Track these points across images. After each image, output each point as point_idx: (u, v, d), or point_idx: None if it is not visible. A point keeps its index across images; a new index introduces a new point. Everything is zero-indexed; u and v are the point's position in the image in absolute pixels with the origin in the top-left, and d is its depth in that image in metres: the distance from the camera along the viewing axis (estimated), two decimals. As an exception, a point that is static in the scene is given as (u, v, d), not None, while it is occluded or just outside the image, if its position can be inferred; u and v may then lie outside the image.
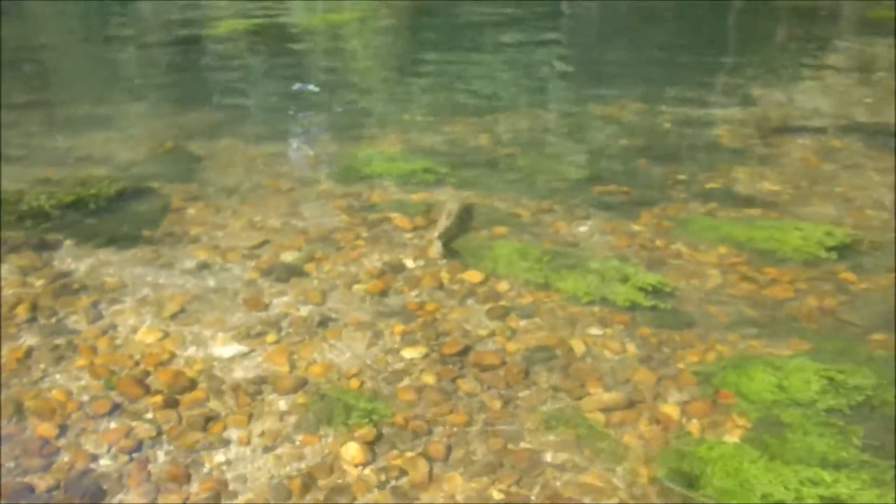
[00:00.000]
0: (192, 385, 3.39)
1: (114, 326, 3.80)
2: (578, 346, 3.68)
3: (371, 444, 3.05)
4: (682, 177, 5.51)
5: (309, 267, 4.31)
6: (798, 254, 4.42)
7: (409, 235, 4.67)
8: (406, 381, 3.43)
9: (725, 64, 9.30)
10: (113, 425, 3.16)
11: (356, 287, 4.13)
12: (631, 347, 3.68)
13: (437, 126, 6.58)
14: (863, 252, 4.49)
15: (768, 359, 3.54)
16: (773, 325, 3.84)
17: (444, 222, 4.71)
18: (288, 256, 4.40)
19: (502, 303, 4.01)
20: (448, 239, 4.58)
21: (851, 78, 8.48)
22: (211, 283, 4.17)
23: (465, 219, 4.86)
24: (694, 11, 12.68)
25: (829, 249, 4.43)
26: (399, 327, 3.81)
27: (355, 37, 10.70)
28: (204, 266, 4.32)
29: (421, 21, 11.79)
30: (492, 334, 3.76)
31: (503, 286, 4.15)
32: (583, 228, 4.80)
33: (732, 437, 3.12)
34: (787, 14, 12.45)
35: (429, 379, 3.45)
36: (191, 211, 4.94)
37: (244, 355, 3.58)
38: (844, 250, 4.46)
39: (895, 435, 3.07)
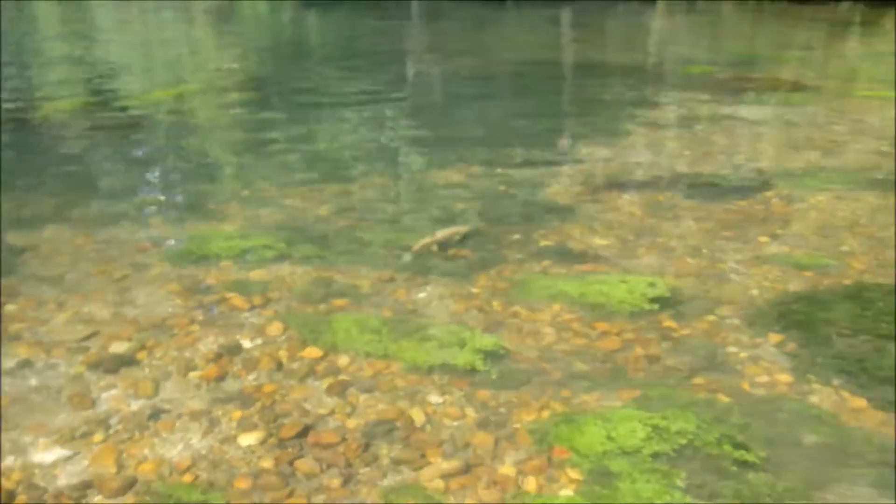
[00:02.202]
0: (10, 498, 3.17)
1: (-81, 441, 3.52)
2: (418, 416, 3.70)
3: (205, 540, 2.95)
4: (517, 237, 5.70)
5: (140, 357, 4.15)
6: (625, 305, 4.64)
7: (246, 315, 4.59)
8: (243, 469, 3.34)
9: (558, 124, 9.78)
10: (-84, 551, 2.91)
11: (191, 374, 4.01)
12: (470, 412, 3.73)
13: (278, 200, 6.55)
14: (683, 299, 4.77)
15: (599, 411, 3.68)
16: (603, 377, 4.00)
17: (426, 240, 5.38)
18: (118, 347, 4.22)
19: (342, 378, 3.99)
20: (425, 252, 5.36)
21: (672, 132, 9.09)
22: (32, 382, 3.94)
23: (452, 243, 5.51)
24: (531, 75, 13.30)
25: (653, 299, 4.68)
26: (236, 413, 3.71)
27: (195, 111, 10.56)
28: (25, 364, 4.08)
29: (264, 92, 11.79)
30: (332, 412, 3.73)
31: (343, 360, 4.13)
32: (422, 295, 4.88)
33: (567, 492, 3.20)
34: (618, 75, 13.24)
35: (266, 464, 3.37)
36: (10, 307, 4.67)
37: (68, 459, 3.39)
38: (666, 299, 4.73)
39: (715, 475, 3.24)
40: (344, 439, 3.53)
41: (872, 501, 3.09)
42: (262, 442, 3.51)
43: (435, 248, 5.47)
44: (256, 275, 5.10)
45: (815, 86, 11.89)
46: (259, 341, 4.32)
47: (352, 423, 3.65)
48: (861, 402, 3.78)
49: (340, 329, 4.38)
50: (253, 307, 4.68)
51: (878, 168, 7.48)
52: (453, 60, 14.89)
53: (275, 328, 4.44)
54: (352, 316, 4.55)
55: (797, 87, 11.77)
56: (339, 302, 4.75)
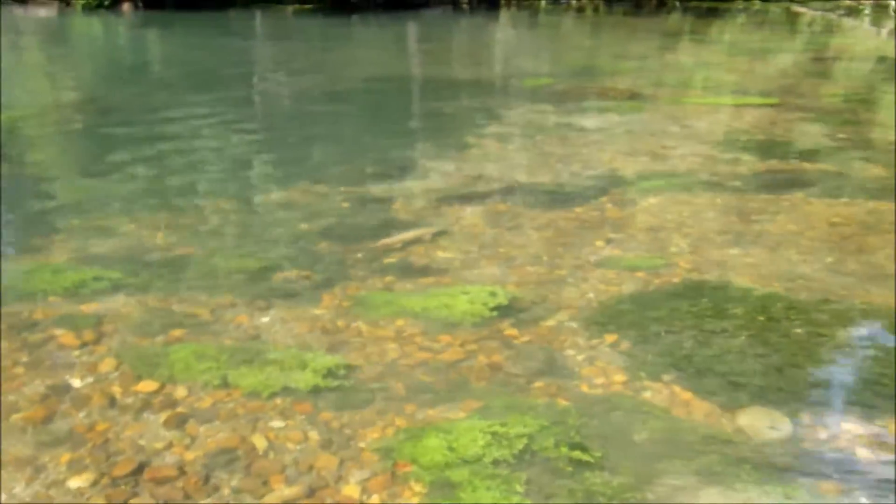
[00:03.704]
0: None
1: None
2: (260, 443, 3.63)
3: None
4: (360, 255, 5.70)
5: (-44, 406, 3.87)
6: (467, 317, 4.72)
7: (76, 353, 4.36)
8: (72, 515, 3.18)
9: (402, 139, 9.86)
10: None
11: (14, 418, 3.78)
12: (313, 435, 3.69)
13: (113, 228, 6.27)
14: (524, 307, 4.90)
15: (441, 423, 3.72)
16: (447, 389, 4.05)
17: (388, 240, 5.84)
18: (-72, 398, 3.92)
19: (180, 409, 3.86)
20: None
21: (514, 143, 9.34)
22: None
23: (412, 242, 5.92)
24: (378, 92, 13.35)
25: (494, 309, 4.79)
26: (66, 455, 3.52)
27: (23, 138, 9.97)
28: None
29: (100, 117, 11.28)
30: (169, 445, 3.60)
31: (181, 392, 4.00)
32: (265, 319, 4.79)
33: (410, 506, 3.23)
34: (462, 88, 13.48)
35: (98, 507, 3.22)
36: None
37: None
38: (507, 307, 4.84)
39: (553, 476, 3.34)
40: (183, 472, 3.42)
41: (699, 493, 3.28)
42: (94, 483, 3.35)
43: (399, 246, 5.84)
44: (88, 309, 4.86)
45: (648, 94, 12.51)
46: (90, 379, 4.11)
47: (190, 455, 3.54)
48: (688, 395, 4.00)
49: (178, 360, 4.24)
50: (84, 344, 4.45)
51: (703, 171, 7.96)
52: (300, 79, 14.76)
53: (107, 364, 4.24)
54: (190, 346, 4.41)
55: (632, 95, 12.35)
56: (177, 332, 4.59)
